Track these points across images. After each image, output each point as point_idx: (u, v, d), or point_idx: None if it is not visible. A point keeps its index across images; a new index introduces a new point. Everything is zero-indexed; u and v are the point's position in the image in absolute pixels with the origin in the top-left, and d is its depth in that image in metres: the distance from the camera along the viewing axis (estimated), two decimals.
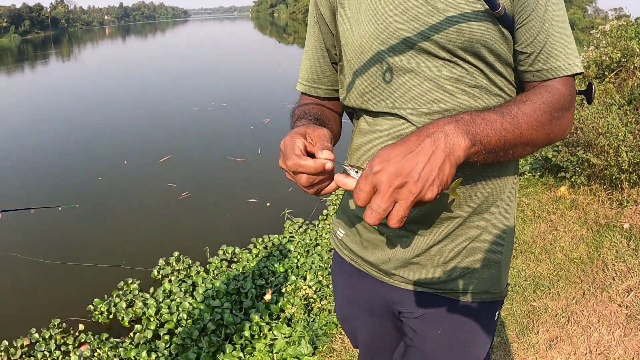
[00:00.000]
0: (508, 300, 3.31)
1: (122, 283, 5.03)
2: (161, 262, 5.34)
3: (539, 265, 3.65)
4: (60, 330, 4.46)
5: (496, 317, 1.37)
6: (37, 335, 4.41)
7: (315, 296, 4.18)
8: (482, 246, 1.27)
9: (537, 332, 3.02)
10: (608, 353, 2.74)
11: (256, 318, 4.10)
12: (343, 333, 3.24)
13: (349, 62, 1.28)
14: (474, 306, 1.31)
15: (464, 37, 1.11)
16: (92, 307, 4.72)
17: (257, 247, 5.52)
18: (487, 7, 1.08)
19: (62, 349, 4.26)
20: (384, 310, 1.47)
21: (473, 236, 1.26)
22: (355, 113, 1.37)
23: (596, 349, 2.78)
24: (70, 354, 4.16)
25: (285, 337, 3.57)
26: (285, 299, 4.33)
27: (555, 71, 1.14)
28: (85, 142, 9.57)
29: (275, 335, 3.72)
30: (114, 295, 4.85)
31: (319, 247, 5.24)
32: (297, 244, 5.41)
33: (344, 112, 1.46)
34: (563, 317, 3.09)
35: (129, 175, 7.71)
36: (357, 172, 0.96)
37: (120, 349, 4.13)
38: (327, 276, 4.47)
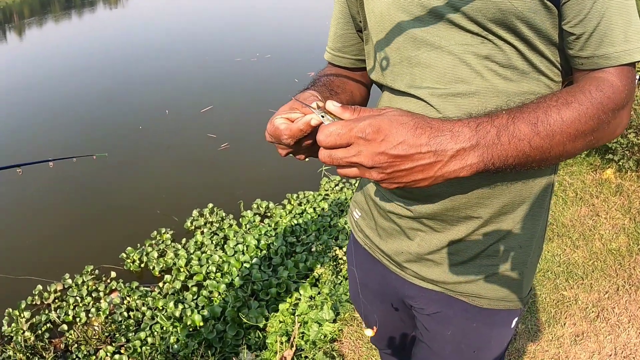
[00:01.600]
0: (538, 286, 3.23)
1: (155, 233, 5.12)
2: (195, 213, 5.40)
3: (575, 251, 3.53)
4: (92, 276, 4.60)
5: (513, 325, 1.28)
6: (70, 280, 4.57)
7: (345, 258, 4.15)
8: (505, 250, 1.17)
9: (564, 324, 2.93)
10: (634, 358, 2.64)
11: (284, 276, 4.13)
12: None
13: (370, 32, 1.17)
14: (489, 312, 1.23)
15: (495, 8, 0.93)
16: (124, 256, 4.85)
17: (292, 203, 5.50)
18: None
19: (94, 295, 4.40)
20: (395, 300, 1.43)
21: (495, 238, 1.15)
22: (381, 87, 1.27)
23: (622, 352, 2.68)
24: (101, 300, 4.29)
25: (308, 301, 3.58)
26: (315, 259, 4.33)
27: (611, 59, 0.94)
28: (128, 91, 9.60)
29: (300, 295, 3.74)
30: (147, 245, 4.97)
31: None
32: (332, 202, 5.37)
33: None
34: (593, 311, 2.99)
35: (170, 125, 7.71)
36: (323, 115, 0.89)
37: (149, 298, 4.24)
38: None
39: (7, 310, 4.31)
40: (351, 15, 1.27)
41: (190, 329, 3.79)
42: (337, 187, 5.76)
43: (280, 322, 3.51)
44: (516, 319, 1.28)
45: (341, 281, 3.84)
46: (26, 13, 24.38)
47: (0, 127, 8.37)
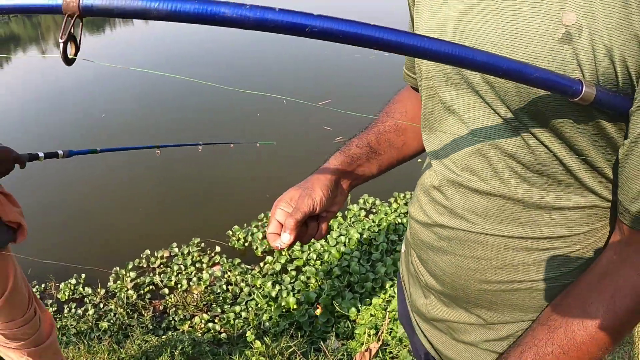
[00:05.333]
0: None
1: (262, 215, 5.27)
2: None
3: None
4: (198, 248, 4.85)
5: None
6: (177, 249, 4.85)
7: None
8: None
9: None
10: None
11: (381, 272, 4.11)
12: None
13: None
14: None
15: (528, 98, 0.71)
16: (230, 233, 5.05)
17: (398, 202, 5.46)
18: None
19: (197, 266, 4.63)
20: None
21: (494, 336, 0.98)
22: None
23: None
24: (203, 271, 4.50)
25: None
26: None
27: None
28: (248, 79, 9.91)
29: (394, 293, 3.71)
30: (253, 225, 5.13)
31: None
32: None
33: None
34: None
35: (286, 115, 7.86)
36: None
37: (249, 275, 4.38)
38: None
39: (114, 269, 4.66)
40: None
41: (284, 310, 3.87)
42: None
43: (372, 315, 3.51)
44: None
45: None
46: None
47: (122, 109, 8.98)
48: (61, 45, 0.50)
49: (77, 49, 0.52)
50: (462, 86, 0.82)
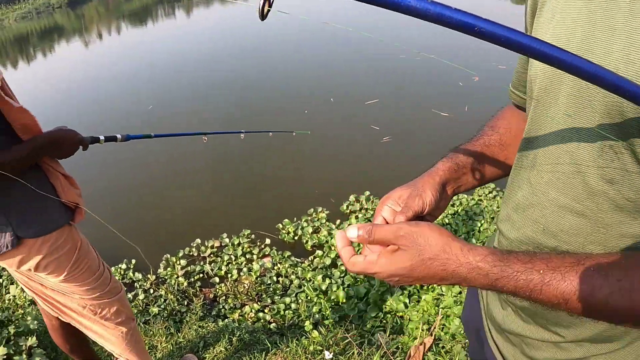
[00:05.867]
0: None
1: (311, 210, 5.36)
2: (352, 198, 5.54)
3: None
4: (248, 240, 4.97)
5: None
6: (227, 240, 4.98)
7: None
8: None
9: None
10: None
11: None
12: None
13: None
14: None
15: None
16: (280, 226, 5.15)
17: None
18: None
19: (247, 257, 4.75)
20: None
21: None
22: None
23: None
24: (253, 262, 4.61)
25: (453, 296, 3.59)
26: None
27: None
28: (297, 76, 10.12)
29: (442, 291, 3.75)
30: (303, 220, 5.22)
31: None
32: (485, 208, 5.27)
33: None
34: None
35: (334, 112, 7.94)
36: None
37: (299, 268, 4.45)
38: None
39: (165, 256, 4.81)
40: None
41: (333, 303, 3.93)
42: (490, 194, 5.64)
43: (424, 311, 3.55)
44: None
45: None
46: None
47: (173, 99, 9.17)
48: (261, 2, 0.55)
49: (270, 4, 0.56)
50: (578, 108, 0.82)
